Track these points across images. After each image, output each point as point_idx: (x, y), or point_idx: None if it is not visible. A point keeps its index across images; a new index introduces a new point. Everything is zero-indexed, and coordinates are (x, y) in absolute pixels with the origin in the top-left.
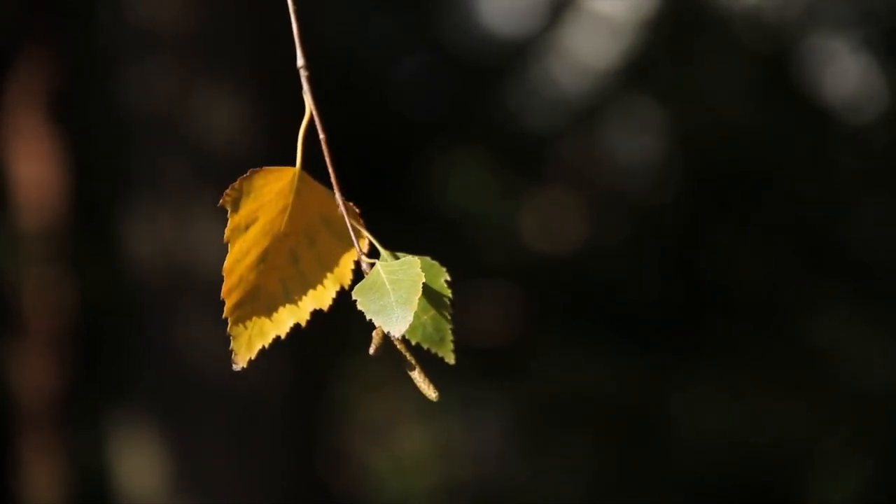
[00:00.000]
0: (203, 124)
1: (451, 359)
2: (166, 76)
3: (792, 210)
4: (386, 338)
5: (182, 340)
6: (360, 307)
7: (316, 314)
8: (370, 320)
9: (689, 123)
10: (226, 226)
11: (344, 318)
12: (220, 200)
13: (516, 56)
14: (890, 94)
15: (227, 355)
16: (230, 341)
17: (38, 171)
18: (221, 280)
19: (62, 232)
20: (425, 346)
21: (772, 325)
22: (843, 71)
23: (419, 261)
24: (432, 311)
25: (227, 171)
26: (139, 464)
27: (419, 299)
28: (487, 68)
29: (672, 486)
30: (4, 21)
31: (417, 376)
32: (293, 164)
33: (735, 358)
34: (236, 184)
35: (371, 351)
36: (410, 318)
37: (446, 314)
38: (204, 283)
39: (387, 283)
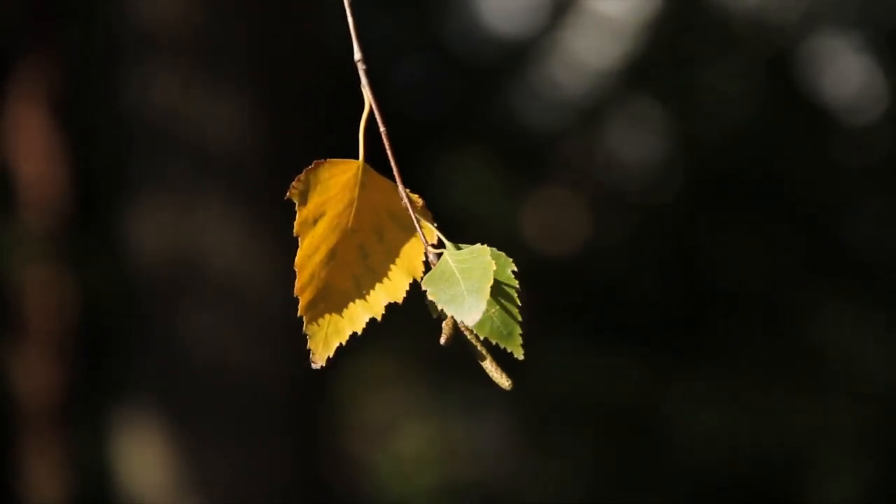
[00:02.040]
0: (204, 123)
1: (519, 354)
2: (168, 75)
3: (792, 210)
4: (456, 328)
5: (183, 340)
6: (430, 297)
7: (393, 306)
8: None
9: (690, 124)
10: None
11: None
12: (287, 193)
13: (518, 56)
14: (890, 94)
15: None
16: (307, 340)
17: (40, 170)
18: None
19: (64, 231)
20: (493, 342)
21: (772, 325)
22: (843, 71)
23: (487, 248)
24: (499, 304)
25: (227, 169)
26: (140, 463)
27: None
28: (489, 69)
29: (672, 486)
30: (6, 21)
31: (489, 366)
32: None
33: (735, 358)
34: (302, 175)
35: (442, 341)
36: (483, 307)
37: (514, 307)
38: (206, 282)
39: (457, 272)
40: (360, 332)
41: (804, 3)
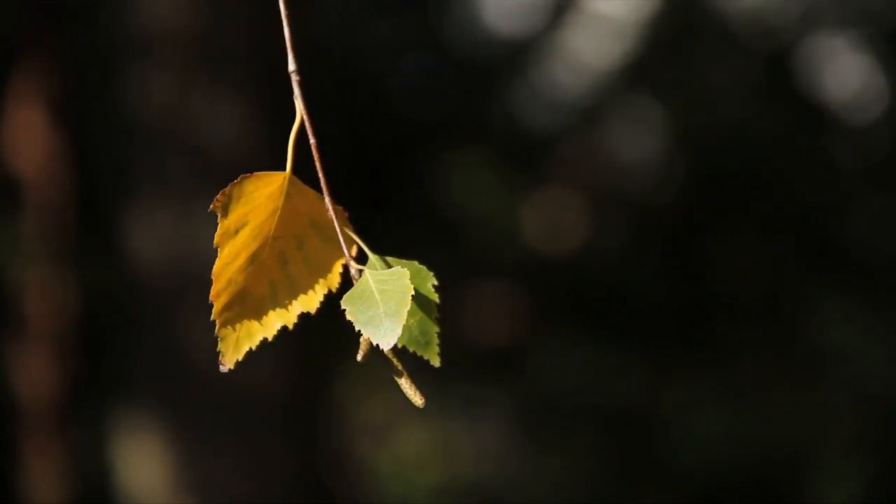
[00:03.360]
0: (204, 125)
1: (436, 362)
2: (167, 76)
3: (793, 210)
4: (375, 345)
5: (183, 340)
6: (348, 317)
7: (313, 315)
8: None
9: (689, 123)
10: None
11: (344, 319)
12: (211, 206)
13: (517, 56)
14: (890, 93)
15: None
16: (217, 342)
17: (40, 170)
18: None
19: (64, 232)
20: (411, 350)
21: (773, 325)
22: (843, 71)
23: (408, 271)
24: (419, 315)
25: (227, 171)
26: (141, 464)
27: None
28: (488, 68)
29: (672, 486)
30: (6, 21)
31: (404, 382)
32: (292, 161)
33: (735, 357)
34: (227, 189)
35: (359, 358)
36: (399, 332)
37: (433, 318)
38: (206, 283)
39: (376, 293)
40: (270, 339)
41: (804, 3)
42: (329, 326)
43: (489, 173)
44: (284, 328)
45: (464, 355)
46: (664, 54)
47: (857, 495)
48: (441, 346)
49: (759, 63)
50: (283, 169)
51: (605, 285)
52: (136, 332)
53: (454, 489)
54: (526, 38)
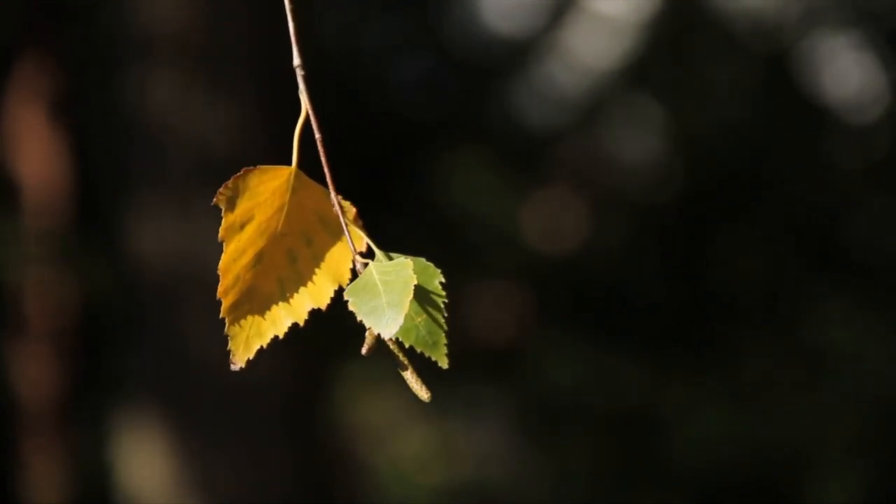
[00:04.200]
0: (204, 124)
1: (444, 363)
2: (167, 76)
3: (793, 210)
4: (379, 338)
5: (183, 340)
6: (351, 308)
7: (316, 314)
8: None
9: (689, 123)
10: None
11: (344, 319)
12: (214, 199)
13: (517, 56)
14: (890, 93)
15: (229, 354)
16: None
17: (40, 170)
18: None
19: (64, 231)
20: (418, 350)
21: (773, 325)
22: (843, 71)
23: (412, 263)
24: (425, 314)
25: (227, 171)
26: (141, 463)
27: (411, 302)
28: (489, 68)
29: (672, 487)
30: (6, 21)
31: (410, 377)
32: (291, 163)
33: (736, 358)
34: (230, 182)
35: (364, 351)
36: (401, 321)
37: (440, 317)
38: (206, 282)
39: (379, 284)
40: (281, 336)
41: (804, 3)
42: (329, 327)
43: (489, 173)
44: (295, 325)
45: (464, 355)
46: (664, 54)
47: (858, 495)
48: (463, 339)
49: (759, 63)
50: (285, 165)
51: (605, 285)
52: (136, 331)
53: (454, 489)
54: (526, 38)
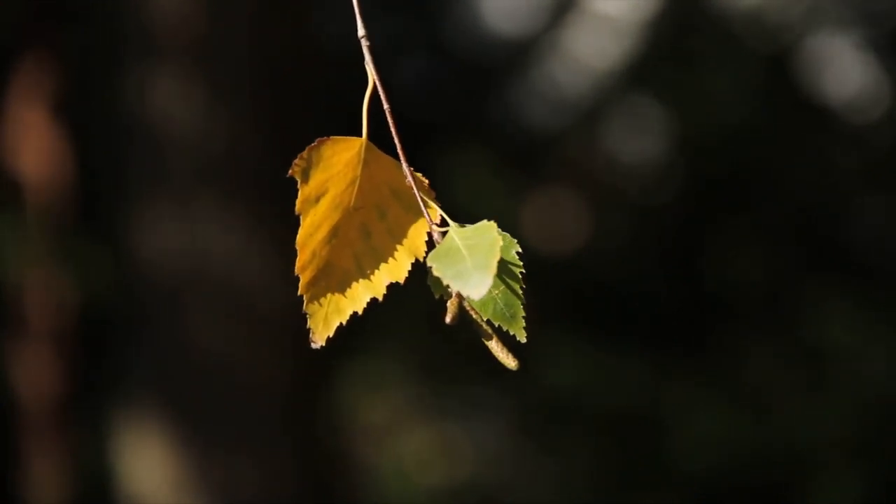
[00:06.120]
0: (204, 124)
1: (522, 336)
2: (168, 76)
3: (793, 210)
4: (462, 308)
5: (184, 340)
6: (435, 273)
7: (395, 287)
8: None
9: (690, 123)
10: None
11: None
12: (290, 170)
13: (518, 56)
14: (890, 93)
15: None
16: (307, 319)
17: (40, 170)
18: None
19: (64, 231)
20: (496, 324)
21: (773, 326)
22: (844, 71)
23: (494, 224)
24: (503, 286)
25: (227, 171)
26: (141, 463)
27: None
28: (489, 69)
29: (672, 487)
30: (7, 21)
31: (495, 346)
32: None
33: (736, 358)
34: (305, 153)
35: (448, 319)
36: (490, 281)
37: (518, 288)
38: (206, 282)
39: (462, 248)
40: (360, 312)
41: (804, 3)
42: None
43: (489, 173)
44: (374, 300)
45: (464, 355)
46: (665, 54)
47: (858, 496)
48: (463, 340)
49: (760, 63)
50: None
51: (605, 285)
52: (137, 331)
53: (454, 490)
54: (526, 38)
